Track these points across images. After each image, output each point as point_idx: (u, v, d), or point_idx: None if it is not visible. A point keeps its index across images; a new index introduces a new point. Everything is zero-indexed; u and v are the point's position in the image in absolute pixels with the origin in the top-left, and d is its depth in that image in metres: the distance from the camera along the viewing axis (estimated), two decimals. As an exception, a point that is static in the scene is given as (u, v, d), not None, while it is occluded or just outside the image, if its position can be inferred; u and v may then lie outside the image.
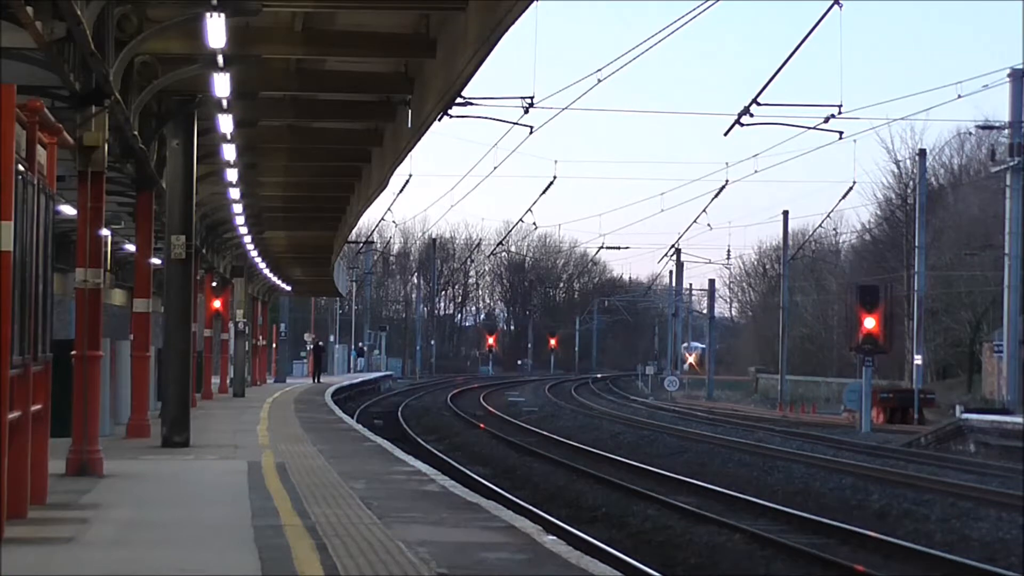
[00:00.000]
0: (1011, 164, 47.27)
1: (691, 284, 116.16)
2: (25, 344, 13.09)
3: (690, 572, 18.39)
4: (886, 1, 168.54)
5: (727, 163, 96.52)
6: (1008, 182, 47.47)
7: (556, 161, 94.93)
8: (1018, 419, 39.84)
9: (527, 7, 16.29)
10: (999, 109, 54.41)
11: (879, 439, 44.29)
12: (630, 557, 17.39)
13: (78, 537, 13.11)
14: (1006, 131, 49.06)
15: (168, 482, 18.77)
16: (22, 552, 11.98)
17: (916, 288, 55.23)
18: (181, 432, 23.52)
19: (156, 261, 28.13)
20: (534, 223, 72.88)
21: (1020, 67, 47.95)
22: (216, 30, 17.15)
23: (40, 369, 14.21)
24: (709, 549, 19.52)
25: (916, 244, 55.15)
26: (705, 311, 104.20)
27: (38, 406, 14.13)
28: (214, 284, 45.10)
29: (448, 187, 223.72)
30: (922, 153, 61.53)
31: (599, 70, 29.08)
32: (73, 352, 18.62)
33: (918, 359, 54.39)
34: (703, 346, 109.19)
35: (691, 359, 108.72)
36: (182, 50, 20.13)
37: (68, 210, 23.56)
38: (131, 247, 30.27)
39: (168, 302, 24.73)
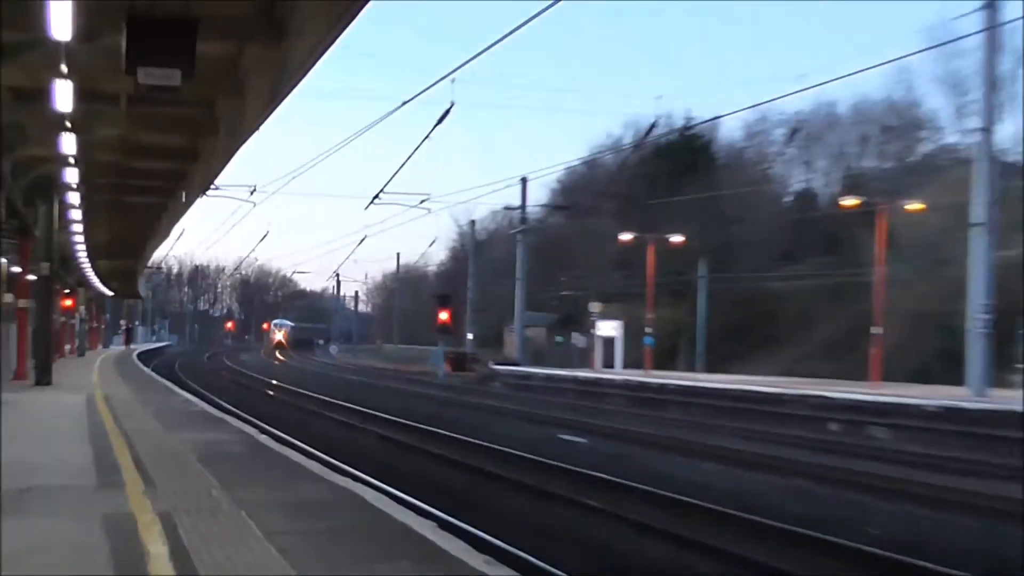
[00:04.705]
0: (519, 229, 66.24)
1: (357, 292, 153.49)
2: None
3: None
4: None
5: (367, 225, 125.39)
6: (519, 239, 68.19)
7: (269, 221, 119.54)
8: (524, 368, 60.91)
9: (256, 130, 21.46)
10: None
11: (450, 380, 63.49)
12: (311, 446, 21.71)
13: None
14: (517, 211, 67.70)
15: (38, 405, 23.22)
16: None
17: (470, 297, 76.79)
18: (46, 376, 31.01)
19: (32, 277, 33.73)
20: (256, 258, 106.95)
21: (524, 176, 67.93)
22: (69, 143, 21.55)
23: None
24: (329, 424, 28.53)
25: (470, 273, 77.12)
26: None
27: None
28: (66, 291, 57.98)
29: (208, 233, 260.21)
30: (472, 223, 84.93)
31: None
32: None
33: (470, 335, 75.96)
34: (291, 323, 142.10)
35: (279, 335, 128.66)
36: (48, 153, 24.72)
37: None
38: (17, 268, 35.07)
39: (38, 301, 32.22)
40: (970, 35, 35.94)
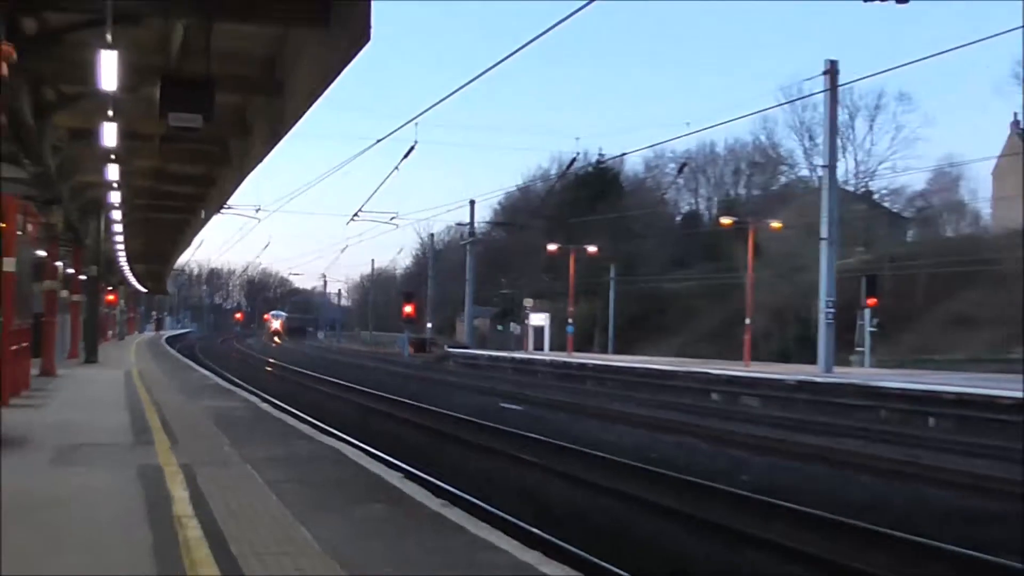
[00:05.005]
0: (468, 241, 64.40)
1: (340, 289, 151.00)
2: (22, 314, 17.02)
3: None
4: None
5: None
6: (468, 249, 66.15)
7: (271, 234, 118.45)
8: (472, 351, 59.53)
9: (261, 162, 20.63)
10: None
11: (413, 360, 62.10)
12: (302, 412, 21.08)
13: (45, 405, 15.92)
14: (467, 226, 66.52)
15: (87, 379, 22.87)
16: (17, 411, 13.87)
17: (430, 294, 75.18)
18: (93, 356, 31.07)
19: (83, 277, 34.28)
20: (260, 262, 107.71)
21: (472, 199, 67.09)
22: (114, 172, 21.37)
23: (27, 326, 18.31)
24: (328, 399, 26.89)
25: (430, 275, 74.13)
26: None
27: (25, 343, 18.09)
28: (110, 288, 57.06)
29: (222, 242, 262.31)
30: (431, 236, 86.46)
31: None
32: (43, 318, 24.42)
33: (429, 324, 75.02)
34: (285, 314, 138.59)
35: (276, 324, 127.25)
36: (97, 180, 24.54)
37: (41, 253, 25.46)
38: (72, 270, 34.51)
39: (87, 296, 32.85)
40: (816, 93, 36.67)
